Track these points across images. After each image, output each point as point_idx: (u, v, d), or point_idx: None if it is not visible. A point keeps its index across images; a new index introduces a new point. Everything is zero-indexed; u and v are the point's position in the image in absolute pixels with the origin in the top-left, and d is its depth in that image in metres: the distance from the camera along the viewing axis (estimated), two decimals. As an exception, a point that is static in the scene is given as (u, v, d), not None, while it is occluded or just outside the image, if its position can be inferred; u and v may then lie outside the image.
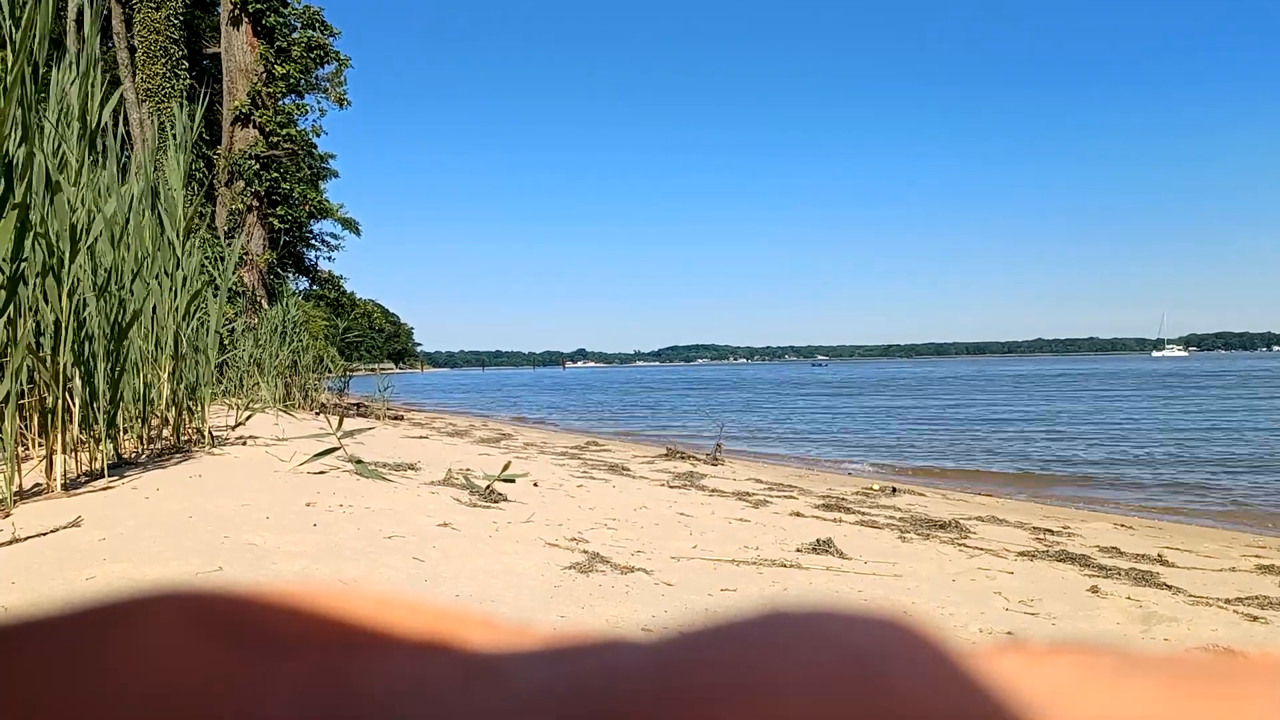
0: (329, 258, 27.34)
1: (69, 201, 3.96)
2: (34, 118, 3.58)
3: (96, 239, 4.32)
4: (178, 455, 5.28)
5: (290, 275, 18.34)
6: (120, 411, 4.78)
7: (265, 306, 14.79)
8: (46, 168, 3.86)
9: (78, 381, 4.11)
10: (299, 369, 13.17)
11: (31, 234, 3.65)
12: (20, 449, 4.06)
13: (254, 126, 16.15)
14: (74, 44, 4.34)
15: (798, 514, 5.33)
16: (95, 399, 4.27)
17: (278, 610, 0.15)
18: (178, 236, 5.72)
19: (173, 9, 16.37)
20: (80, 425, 4.17)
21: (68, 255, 3.94)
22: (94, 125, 4.23)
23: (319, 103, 17.60)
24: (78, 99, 4.10)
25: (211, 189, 16.20)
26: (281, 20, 16.37)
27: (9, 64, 3.41)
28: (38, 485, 3.90)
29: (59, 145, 4.07)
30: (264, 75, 16.17)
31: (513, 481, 4.89)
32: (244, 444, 6.23)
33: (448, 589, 2.90)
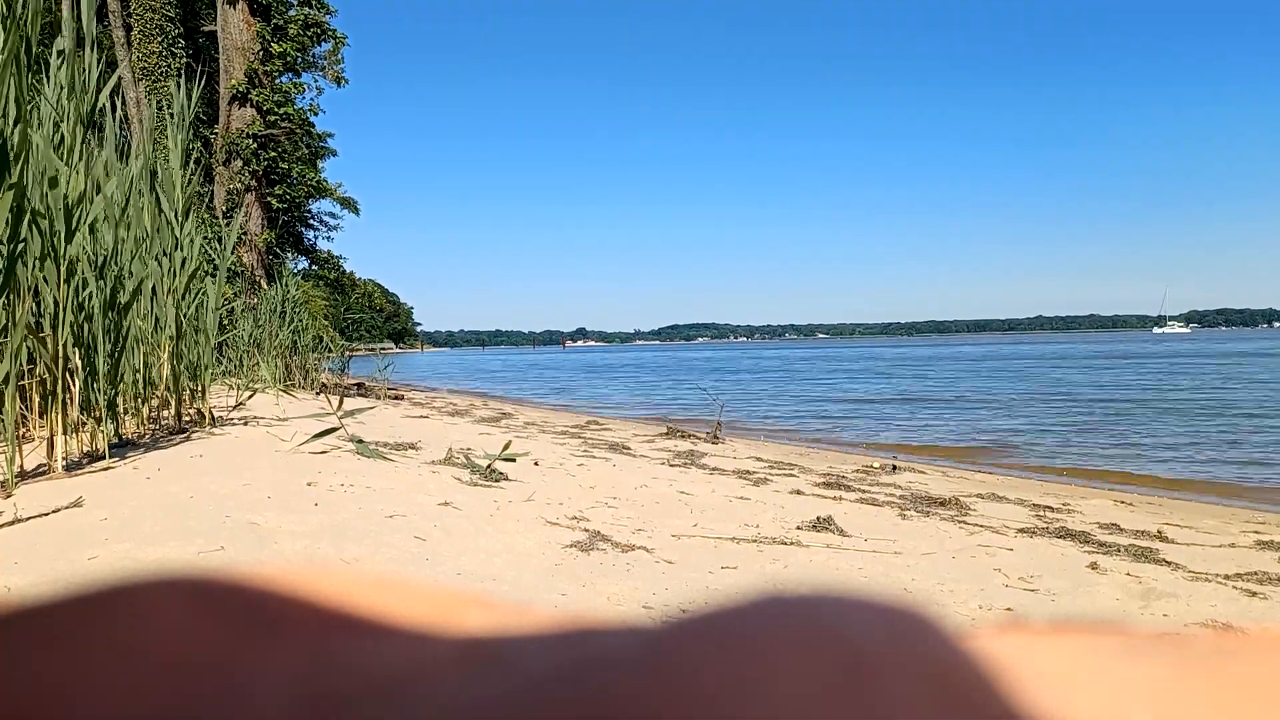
0: (328, 237, 27.21)
1: (66, 181, 3.95)
2: (30, 97, 3.56)
3: (95, 219, 4.30)
4: (179, 435, 5.29)
5: (289, 255, 18.26)
6: (121, 392, 4.79)
7: (264, 286, 14.76)
8: (43, 148, 3.84)
9: (78, 362, 4.11)
10: (299, 349, 13.16)
11: (29, 214, 3.64)
12: (21, 430, 4.07)
13: (251, 106, 16.05)
14: (70, 22, 4.29)
15: (798, 492, 5.34)
16: (95, 379, 4.27)
17: (275, 591, 0.15)
18: (176, 216, 5.70)
19: (168, -14, 16.25)
20: (81, 406, 4.18)
21: (63, 235, 3.92)
22: (90, 105, 4.20)
23: (316, 81, 17.47)
24: (67, 78, 4.06)
25: (209, 169, 16.12)
26: (278, -2, 16.25)
27: (3, 42, 3.38)
28: (39, 466, 3.90)
29: (57, 125, 4.05)
30: (261, 54, 16.06)
31: (513, 461, 4.90)
32: (245, 424, 6.24)
33: (449, 568, 2.92)
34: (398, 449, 5.58)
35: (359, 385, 15.36)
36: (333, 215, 22.97)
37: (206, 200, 15.95)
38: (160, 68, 16.30)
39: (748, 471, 6.24)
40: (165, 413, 5.73)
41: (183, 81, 6.20)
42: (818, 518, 4.21)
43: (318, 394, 10.93)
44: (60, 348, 3.99)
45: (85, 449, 4.31)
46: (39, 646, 0.13)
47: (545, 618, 0.15)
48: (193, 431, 5.52)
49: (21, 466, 3.74)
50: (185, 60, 16.53)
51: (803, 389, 22.48)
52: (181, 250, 5.69)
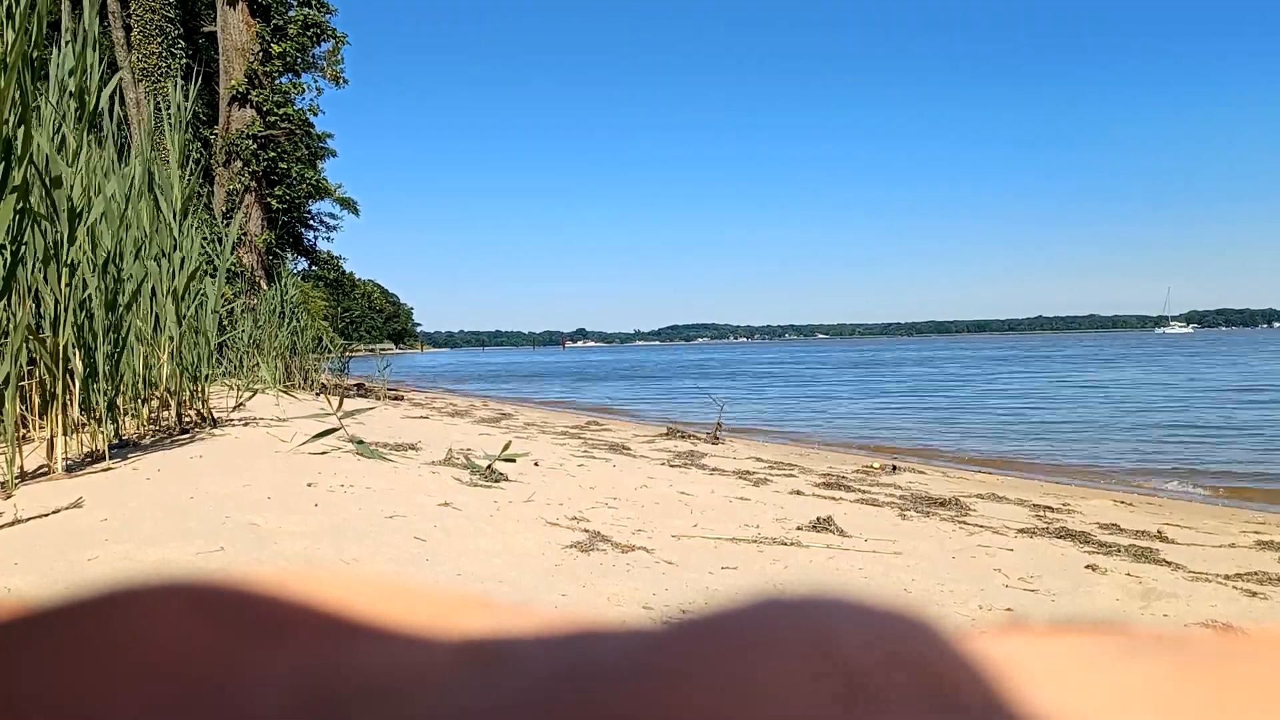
0: (328, 238, 27.22)
1: (67, 183, 3.95)
2: (32, 99, 3.56)
3: (96, 220, 4.30)
4: (179, 436, 5.29)
5: (289, 256, 18.25)
6: (121, 393, 4.78)
7: (264, 287, 14.75)
8: (46, 149, 3.84)
9: (78, 363, 4.11)
10: (298, 350, 13.16)
11: (31, 216, 3.64)
12: (21, 431, 4.07)
13: (251, 106, 16.05)
14: (70, 23, 4.32)
15: (798, 492, 5.34)
16: (95, 380, 4.27)
17: (275, 594, 0.15)
18: (175, 217, 5.70)
19: (168, -13, 16.25)
20: (81, 407, 4.17)
21: (65, 237, 3.92)
22: (92, 106, 4.20)
23: (315, 81, 17.46)
24: (74, 80, 4.06)
25: (209, 169, 16.12)
26: (278, -2, 16.25)
27: (8, 43, 3.38)
28: (39, 467, 3.90)
29: (59, 126, 4.05)
30: (260, 54, 16.06)
31: (513, 461, 4.90)
32: (245, 425, 6.24)
33: (449, 568, 2.91)
34: (398, 449, 5.58)
35: (359, 386, 15.36)
36: (332, 216, 23.00)
37: (206, 201, 15.96)
38: (160, 68, 16.31)
39: (748, 472, 6.23)
40: (165, 413, 5.73)
41: (181, 81, 6.20)
42: (818, 518, 4.21)
43: (317, 395, 10.92)
44: (61, 349, 3.99)
45: (85, 450, 4.31)
46: (38, 649, 0.13)
47: (545, 619, 0.15)
48: (193, 432, 5.53)
49: (22, 467, 3.74)
50: (185, 61, 16.54)
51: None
52: (180, 251, 5.69)
